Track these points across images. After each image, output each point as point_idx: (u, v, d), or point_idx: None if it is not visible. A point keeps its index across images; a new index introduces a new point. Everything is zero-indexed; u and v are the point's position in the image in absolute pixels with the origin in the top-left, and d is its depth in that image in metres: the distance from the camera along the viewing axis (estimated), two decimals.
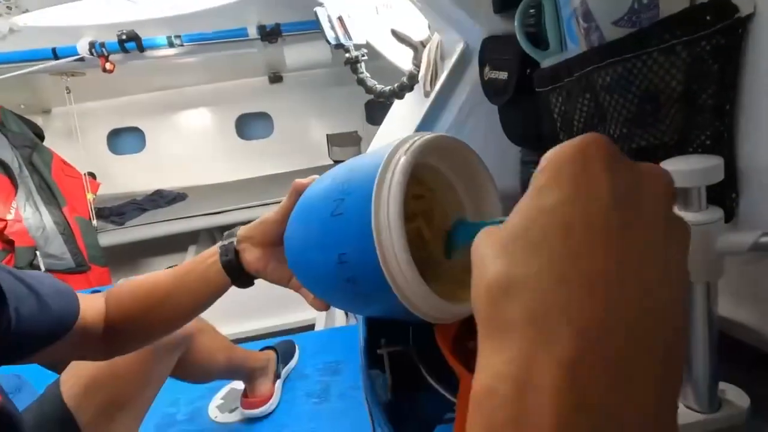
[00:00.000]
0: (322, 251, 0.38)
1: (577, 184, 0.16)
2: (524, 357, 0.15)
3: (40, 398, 0.67)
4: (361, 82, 1.00)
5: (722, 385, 0.42)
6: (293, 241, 0.44)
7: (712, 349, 0.39)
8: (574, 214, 0.16)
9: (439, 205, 0.43)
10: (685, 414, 0.41)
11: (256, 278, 0.51)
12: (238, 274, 0.50)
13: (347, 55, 1.00)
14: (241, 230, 0.51)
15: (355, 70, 1.00)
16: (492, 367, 0.16)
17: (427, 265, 0.38)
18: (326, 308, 0.46)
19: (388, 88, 0.97)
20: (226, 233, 0.52)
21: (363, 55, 1.01)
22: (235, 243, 0.50)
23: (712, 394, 0.41)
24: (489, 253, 0.18)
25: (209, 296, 0.52)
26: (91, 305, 0.51)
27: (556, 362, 0.15)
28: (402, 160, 0.35)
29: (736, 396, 0.42)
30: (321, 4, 1.14)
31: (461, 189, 0.44)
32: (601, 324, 0.15)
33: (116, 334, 0.52)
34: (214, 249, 0.51)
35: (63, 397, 0.65)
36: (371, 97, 1.03)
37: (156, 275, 0.53)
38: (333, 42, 1.00)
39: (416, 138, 0.38)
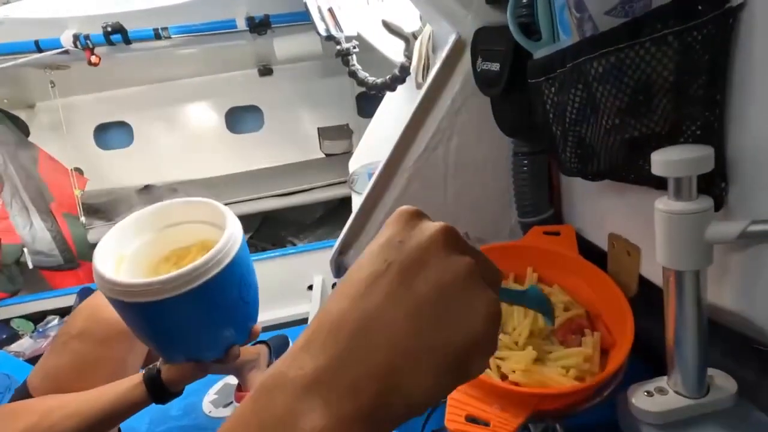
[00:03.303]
0: None
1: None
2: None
3: (11, 401, 0.66)
4: (352, 74, 0.99)
5: (710, 371, 0.43)
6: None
7: (702, 336, 0.40)
8: None
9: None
10: (673, 399, 0.42)
11: (176, 394, 0.60)
12: (158, 388, 0.58)
13: (338, 47, 0.99)
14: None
15: (346, 63, 0.99)
16: None
17: None
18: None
19: (380, 80, 0.96)
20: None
21: (354, 47, 1.00)
22: (158, 364, 0.58)
23: (701, 379, 0.42)
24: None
25: (121, 412, 0.58)
26: None
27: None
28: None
29: (723, 381, 0.43)
30: None
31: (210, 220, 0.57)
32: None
33: None
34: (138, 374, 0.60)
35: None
36: (363, 89, 1.02)
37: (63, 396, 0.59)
38: (324, 33, 0.99)
39: None
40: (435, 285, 0.21)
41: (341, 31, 1.00)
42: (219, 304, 0.51)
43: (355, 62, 0.99)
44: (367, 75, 0.99)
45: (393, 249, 0.22)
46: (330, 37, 0.99)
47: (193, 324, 0.51)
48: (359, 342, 0.20)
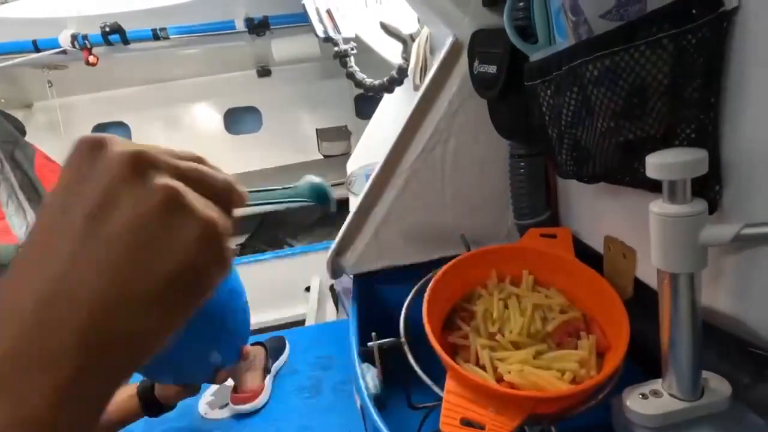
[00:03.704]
0: None
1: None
2: None
3: None
4: (350, 75, 0.99)
5: (705, 374, 0.43)
6: None
7: (696, 339, 0.40)
8: None
9: None
10: (668, 402, 0.42)
11: (167, 408, 0.59)
12: (150, 402, 0.57)
13: (336, 48, 0.99)
14: None
15: (344, 64, 1.00)
16: None
17: None
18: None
19: (378, 82, 0.97)
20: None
21: (352, 49, 1.01)
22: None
23: (695, 382, 0.42)
24: None
25: (116, 421, 0.58)
26: None
27: None
28: None
29: (718, 384, 0.43)
30: None
31: None
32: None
33: None
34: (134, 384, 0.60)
35: None
36: (361, 91, 1.02)
37: None
38: (322, 35, 1.00)
39: None
40: (127, 223, 0.19)
41: (339, 32, 1.00)
42: (202, 334, 0.50)
43: (353, 64, 0.99)
44: (365, 77, 0.99)
45: (72, 194, 0.19)
46: (328, 39, 0.99)
47: (176, 355, 0.50)
48: (45, 315, 0.18)
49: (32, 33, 1.93)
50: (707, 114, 0.37)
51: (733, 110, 0.37)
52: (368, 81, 0.98)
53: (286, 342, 1.13)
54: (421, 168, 0.76)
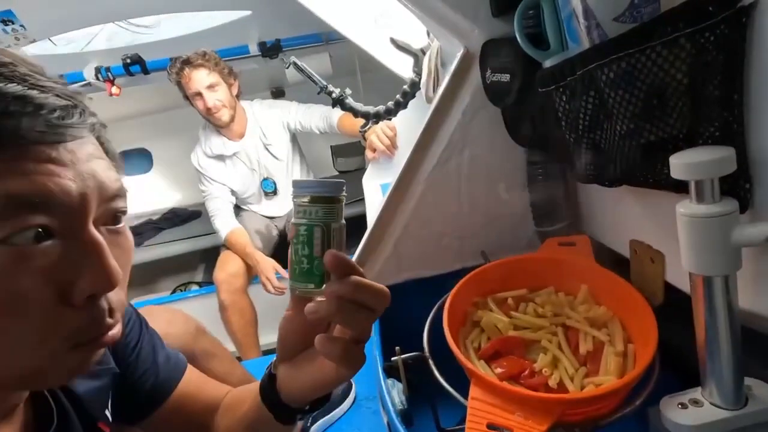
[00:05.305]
0: None
1: None
2: None
3: None
4: (356, 113, 1.01)
5: (748, 381, 0.41)
6: None
7: (735, 344, 0.39)
8: None
9: None
10: (710, 411, 0.40)
11: (298, 412, 0.41)
12: (276, 405, 0.40)
13: (333, 96, 1.01)
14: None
15: (344, 107, 1.01)
16: None
17: None
18: None
19: (383, 107, 0.98)
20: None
21: (344, 90, 1.02)
22: (272, 367, 0.41)
23: (738, 390, 0.40)
24: None
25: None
26: (218, 392, 0.51)
27: None
28: None
29: (763, 391, 0.41)
30: (319, 19, 1.16)
31: None
32: None
33: None
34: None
35: None
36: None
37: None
38: (321, 87, 1.02)
39: None
40: None
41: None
42: None
43: (351, 101, 1.01)
44: (371, 108, 1.00)
45: None
46: (323, 90, 1.02)
47: None
48: None
49: (59, 68, 2.03)
50: (731, 111, 0.36)
51: (758, 106, 0.36)
52: (372, 110, 1.00)
53: (352, 386, 0.96)
54: (437, 179, 0.76)
